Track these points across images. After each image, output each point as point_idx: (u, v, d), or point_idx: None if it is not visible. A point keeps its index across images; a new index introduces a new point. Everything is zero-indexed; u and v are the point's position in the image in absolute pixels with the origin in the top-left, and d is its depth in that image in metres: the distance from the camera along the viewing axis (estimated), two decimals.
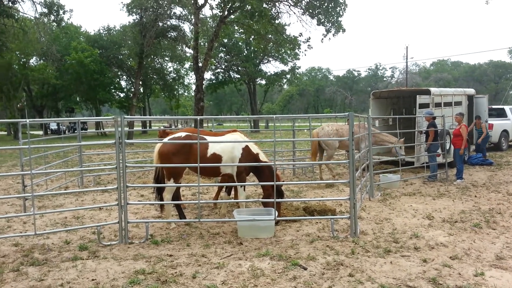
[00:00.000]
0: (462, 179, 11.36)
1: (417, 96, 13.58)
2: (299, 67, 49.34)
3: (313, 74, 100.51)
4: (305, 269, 5.20)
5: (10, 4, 24.37)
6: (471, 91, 16.25)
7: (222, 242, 6.38)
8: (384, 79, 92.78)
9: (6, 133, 53.03)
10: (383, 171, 11.91)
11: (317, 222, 7.45)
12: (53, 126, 48.30)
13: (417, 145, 13.09)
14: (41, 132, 43.29)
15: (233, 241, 6.43)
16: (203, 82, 24.78)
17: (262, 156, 7.53)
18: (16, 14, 25.11)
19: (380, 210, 8.46)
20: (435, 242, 6.15)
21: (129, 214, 6.66)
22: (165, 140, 7.58)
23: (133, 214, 8.32)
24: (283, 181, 7.51)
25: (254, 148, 7.50)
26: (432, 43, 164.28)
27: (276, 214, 6.70)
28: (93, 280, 4.94)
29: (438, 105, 13.76)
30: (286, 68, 47.55)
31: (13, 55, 35.19)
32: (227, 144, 7.37)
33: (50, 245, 6.34)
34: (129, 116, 7.72)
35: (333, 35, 22.67)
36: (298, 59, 45.13)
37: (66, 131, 43.24)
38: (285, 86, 74.38)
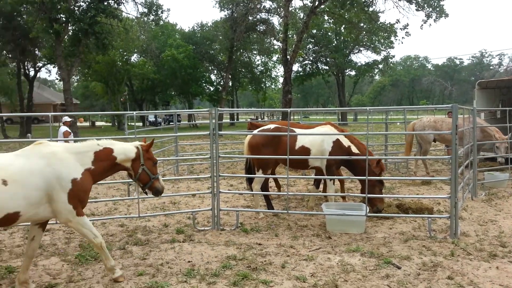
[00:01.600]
0: None
1: None
2: (393, 56, 46.59)
3: (408, 63, 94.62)
4: (399, 268, 4.94)
5: (116, 6, 26.76)
6: None
7: (310, 235, 6.34)
8: (491, 67, 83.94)
9: (110, 124, 58.68)
10: (489, 168, 10.79)
11: (412, 221, 7.03)
12: (151, 118, 52.30)
13: None
14: (140, 124, 47.15)
15: (322, 234, 6.36)
16: (291, 74, 24.77)
17: (355, 149, 7.27)
18: (120, 14, 27.53)
19: (484, 211, 7.71)
20: None
21: (220, 202, 6.95)
22: (255, 132, 7.73)
23: (224, 203, 8.65)
24: (380, 175, 7.15)
25: (346, 141, 7.29)
26: None
27: (368, 210, 6.46)
28: (189, 262, 5.25)
29: None
30: (379, 58, 45.52)
31: (116, 52, 38.63)
32: (316, 137, 7.27)
33: (151, 227, 6.88)
34: (222, 109, 8.03)
35: (434, 20, 20.89)
36: (393, 47, 42.81)
37: (162, 123, 46.47)
38: (377, 77, 71.13)
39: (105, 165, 4.60)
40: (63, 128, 11.41)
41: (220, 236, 6.38)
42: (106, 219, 7.28)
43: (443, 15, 20.84)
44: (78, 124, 23.91)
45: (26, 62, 36.00)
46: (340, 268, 4.97)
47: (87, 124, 56.62)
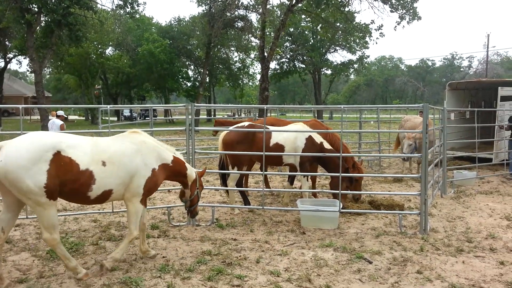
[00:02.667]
0: None
1: (499, 88, 12.50)
2: (368, 56, 47.33)
3: (383, 63, 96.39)
4: (370, 262, 5.08)
5: None
6: None
7: (285, 230, 6.42)
8: (461, 69, 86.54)
9: (84, 118, 57.29)
10: (458, 167, 11.18)
11: (383, 217, 7.22)
12: (126, 112, 51.32)
13: (497, 141, 12.12)
14: (115, 118, 46.27)
15: (296, 230, 6.45)
16: (268, 71, 24.85)
17: (327, 146, 7.41)
18: (94, 6, 26.87)
19: (452, 208, 7.99)
20: None
21: None
22: (231, 128, 7.75)
23: (200, 198, 8.60)
24: (355, 173, 7.33)
25: (318, 138, 7.41)
26: None
27: (341, 206, 6.60)
28: (163, 257, 5.23)
29: None
30: (354, 58, 46.17)
31: (90, 45, 37.66)
32: (290, 134, 7.36)
33: (125, 223, 6.80)
34: (199, 104, 8.01)
35: (408, 22, 21.45)
36: (367, 47, 43.44)
37: (138, 118, 45.73)
38: (352, 76, 72.16)
39: (177, 170, 5.13)
40: (58, 121, 11.61)
41: (196, 231, 6.38)
42: (79, 214, 7.14)
43: (416, 17, 21.40)
44: (50, 117, 23.16)
45: None
46: (314, 262, 5.07)
47: None
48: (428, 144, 6.01)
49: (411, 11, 21.03)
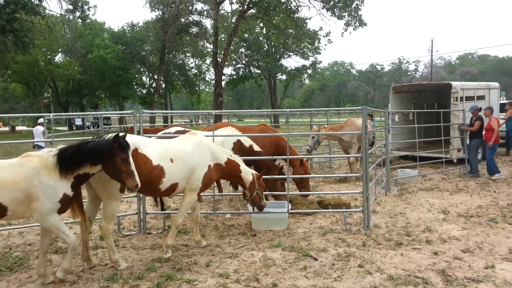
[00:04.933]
0: (499, 172, 11.03)
1: (453, 86, 13.08)
2: (320, 62, 49.01)
3: (335, 68, 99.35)
4: (316, 259, 5.31)
5: (38, 2, 25.13)
6: (495, 85, 15.87)
7: (236, 234, 6.55)
8: (408, 73, 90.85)
9: (33, 128, 54.81)
10: (401, 166, 11.81)
11: (331, 216, 7.53)
12: (78, 122, 49.61)
13: (452, 139, 12.73)
14: (66, 128, 44.55)
15: (247, 232, 6.60)
16: (223, 77, 25.04)
17: (257, 148, 7.56)
18: (42, 11, 25.89)
19: (395, 204, 8.46)
20: (448, 236, 6.16)
21: (147, 206, 6.91)
22: (159, 134, 7.73)
23: (152, 206, 8.57)
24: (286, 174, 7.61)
25: (247, 141, 7.51)
26: (458, 35, 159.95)
27: (289, 207, 6.83)
28: (112, 267, 5.19)
29: (460, 99, 13.50)
30: (307, 63, 47.41)
31: (39, 52, 36.22)
32: (217, 139, 7.38)
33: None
34: (147, 111, 7.99)
35: (354, 29, 22.47)
36: (319, 53, 44.82)
37: (91, 127, 44.32)
38: (307, 81, 73.86)
39: (230, 171, 5.79)
40: (41, 128, 13.05)
41: (146, 240, 6.37)
42: (24, 227, 6.90)
43: (362, 24, 22.44)
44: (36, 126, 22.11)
45: None
46: (262, 263, 5.23)
47: (6, 129, 52.17)
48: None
49: (356, 18, 22.01)
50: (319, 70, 53.96)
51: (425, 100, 17.05)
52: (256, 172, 6.16)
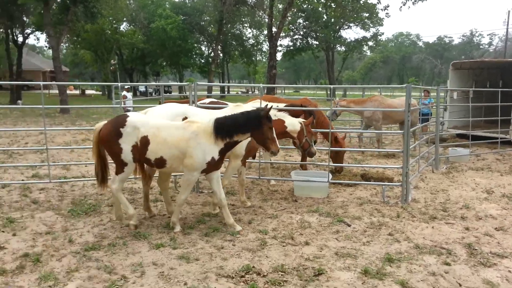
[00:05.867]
0: None
1: None
2: (382, 33, 47.02)
3: (400, 40, 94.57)
4: (349, 225, 5.75)
5: None
6: None
7: (278, 198, 7.12)
8: (481, 47, 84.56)
9: (101, 93, 58.42)
10: (454, 144, 11.63)
11: (371, 188, 7.83)
12: (142, 88, 52.22)
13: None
14: (130, 94, 47.13)
15: (289, 198, 7.14)
16: (279, 48, 25.18)
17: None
18: None
19: (440, 181, 8.54)
20: (485, 214, 6.28)
21: None
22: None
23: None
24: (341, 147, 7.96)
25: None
26: None
27: (330, 177, 7.25)
28: (168, 217, 5.98)
29: None
30: (368, 35, 45.77)
31: (105, 21, 38.22)
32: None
33: (137, 189, 7.56)
34: (201, 82, 8.66)
35: (413, 3, 21.50)
36: (381, 24, 43.05)
37: (153, 93, 46.53)
38: (368, 53, 71.25)
39: (278, 130, 5.93)
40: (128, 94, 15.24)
41: (198, 197, 7.13)
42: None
43: None
44: (68, 92, 23.92)
45: (14, 29, 35.57)
46: (299, 224, 5.76)
47: (77, 92, 56.30)
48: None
49: None
50: (381, 42, 51.92)
51: (488, 78, 16.23)
52: (303, 120, 6.73)
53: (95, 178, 7.89)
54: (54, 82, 11.37)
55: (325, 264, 4.52)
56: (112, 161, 5.50)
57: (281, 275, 4.25)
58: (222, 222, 5.79)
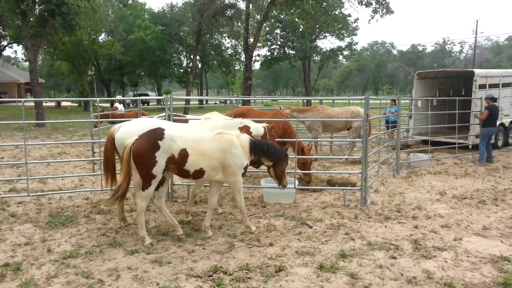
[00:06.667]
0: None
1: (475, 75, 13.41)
2: (357, 43, 48.41)
3: (375, 48, 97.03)
4: (311, 227, 6.26)
5: None
6: None
7: (248, 205, 7.57)
8: (452, 54, 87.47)
9: (77, 104, 57.94)
10: (413, 150, 12.37)
11: (335, 193, 8.40)
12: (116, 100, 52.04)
13: (471, 126, 13.12)
14: (108, 105, 46.99)
15: (258, 204, 7.63)
16: (257, 58, 25.73)
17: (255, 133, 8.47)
18: None
19: (399, 185, 9.18)
20: (434, 214, 6.91)
21: (175, 178, 8.03)
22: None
23: (179, 179, 9.71)
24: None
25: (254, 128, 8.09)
26: (508, 16, 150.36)
27: (297, 183, 7.77)
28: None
29: (482, 86, 13.71)
30: (343, 44, 47.09)
31: (83, 32, 38.21)
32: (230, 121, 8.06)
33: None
34: (177, 97, 9.09)
35: (381, 16, 22.60)
36: (356, 34, 44.45)
37: (131, 105, 46.42)
38: (344, 61, 72.95)
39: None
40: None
41: (173, 206, 7.53)
42: (73, 192, 8.26)
43: (389, 12, 22.55)
44: (44, 104, 23.82)
45: None
46: (265, 228, 6.25)
47: (52, 104, 55.58)
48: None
49: (383, 5, 22.11)
50: (355, 51, 53.40)
51: (451, 86, 17.19)
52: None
53: (71, 191, 8.25)
54: (33, 99, 11.45)
55: (286, 261, 5.00)
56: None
57: (246, 273, 4.71)
58: (194, 228, 6.22)
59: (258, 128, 7.30)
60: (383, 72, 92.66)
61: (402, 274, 4.66)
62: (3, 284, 4.52)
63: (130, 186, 5.90)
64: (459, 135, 12.64)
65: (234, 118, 7.35)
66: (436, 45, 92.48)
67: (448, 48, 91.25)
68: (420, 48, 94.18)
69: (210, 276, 4.66)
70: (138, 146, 5.35)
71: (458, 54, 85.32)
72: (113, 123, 9.67)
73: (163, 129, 5.50)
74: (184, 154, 5.43)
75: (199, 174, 5.56)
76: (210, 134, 5.87)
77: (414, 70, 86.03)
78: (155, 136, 5.39)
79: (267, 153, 5.89)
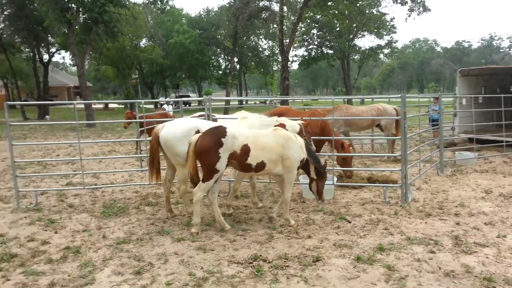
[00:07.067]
0: None
1: None
2: (397, 41, 47.38)
3: (417, 45, 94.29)
4: (349, 222, 6.37)
5: None
6: None
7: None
8: (501, 50, 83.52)
9: (123, 106, 60.38)
10: (459, 148, 12.05)
11: (376, 190, 8.40)
12: (163, 101, 53.81)
13: None
14: (152, 106, 48.67)
15: (297, 199, 7.80)
16: (292, 59, 25.87)
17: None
18: (127, 3, 28.86)
19: (442, 183, 9.02)
20: (478, 211, 6.79)
21: None
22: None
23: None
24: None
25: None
26: None
27: (335, 180, 7.88)
28: (189, 216, 6.72)
29: None
30: (382, 42, 46.20)
31: (125, 38, 39.85)
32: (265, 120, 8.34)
33: (160, 193, 8.37)
34: (215, 98, 9.49)
35: (418, 14, 22.16)
36: (395, 32, 43.43)
37: (173, 106, 47.80)
38: (384, 59, 71.54)
39: None
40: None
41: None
42: (124, 185, 8.80)
43: (426, 10, 22.06)
44: (93, 106, 25.10)
45: (40, 48, 37.55)
46: (304, 221, 6.42)
47: (100, 106, 58.28)
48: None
49: (420, 3, 21.66)
50: (396, 49, 52.23)
51: (498, 83, 16.55)
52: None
53: (122, 184, 8.79)
54: (83, 101, 12.30)
55: (323, 253, 5.17)
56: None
57: (284, 261, 4.92)
58: (235, 220, 6.50)
59: (293, 126, 7.43)
60: (428, 70, 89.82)
61: (440, 268, 4.69)
62: (65, 264, 4.99)
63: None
64: (506, 133, 12.18)
65: (270, 117, 7.58)
66: (483, 41, 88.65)
67: (496, 44, 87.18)
68: (466, 45, 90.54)
69: (250, 263, 4.91)
70: (202, 143, 5.66)
71: (508, 49, 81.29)
72: (142, 124, 10.14)
73: (225, 127, 5.82)
74: (246, 149, 5.77)
75: (260, 167, 5.89)
76: (267, 130, 6.22)
77: (459, 67, 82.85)
78: (219, 134, 5.69)
79: (315, 157, 6.29)
